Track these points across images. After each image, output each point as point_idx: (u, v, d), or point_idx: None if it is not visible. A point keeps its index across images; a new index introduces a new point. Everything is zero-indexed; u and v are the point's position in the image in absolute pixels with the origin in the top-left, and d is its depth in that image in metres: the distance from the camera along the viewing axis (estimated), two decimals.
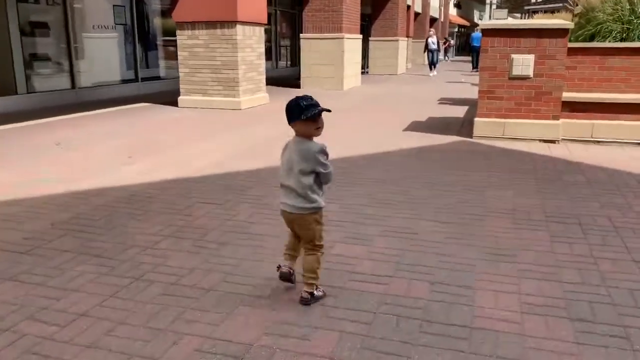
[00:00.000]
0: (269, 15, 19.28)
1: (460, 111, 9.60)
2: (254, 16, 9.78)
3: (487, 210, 3.98)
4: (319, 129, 2.44)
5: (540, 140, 6.59)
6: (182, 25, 9.60)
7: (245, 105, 9.69)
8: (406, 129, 7.67)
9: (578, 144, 6.51)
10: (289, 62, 21.12)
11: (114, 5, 11.45)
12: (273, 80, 16.94)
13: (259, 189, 4.53)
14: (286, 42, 21.15)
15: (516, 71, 6.52)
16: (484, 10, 58.75)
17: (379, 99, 12.01)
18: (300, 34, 14.24)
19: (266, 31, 19.49)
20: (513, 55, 6.50)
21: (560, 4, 28.35)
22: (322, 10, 13.70)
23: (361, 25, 28.58)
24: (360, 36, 15.70)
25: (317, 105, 2.41)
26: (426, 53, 21.35)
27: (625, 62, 6.68)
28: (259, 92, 10.31)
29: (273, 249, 3.19)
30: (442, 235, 3.46)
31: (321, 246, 2.57)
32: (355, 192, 4.47)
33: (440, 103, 11.05)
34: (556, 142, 6.54)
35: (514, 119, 6.67)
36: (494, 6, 53.75)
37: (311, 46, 13.91)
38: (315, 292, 2.56)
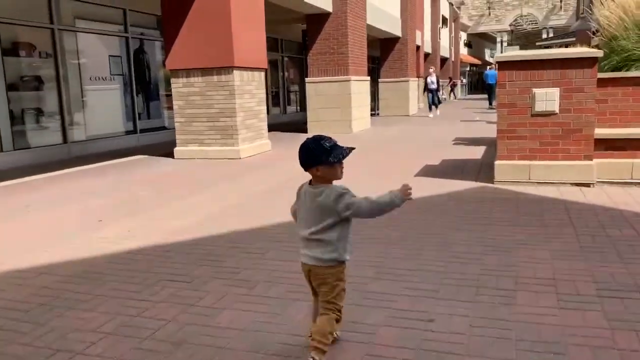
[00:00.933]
0: (276, 61, 19.12)
1: (477, 152, 8.83)
2: (253, 61, 9.26)
3: (519, 282, 3.15)
4: (342, 171, 2.26)
5: (572, 184, 5.77)
6: (177, 73, 9.10)
7: (245, 154, 9.05)
8: (418, 174, 6.91)
9: (617, 187, 5.67)
10: (298, 108, 20.72)
11: (109, 56, 11.08)
12: (281, 126, 16.46)
13: (238, 259, 3.77)
14: (295, 87, 20.83)
15: (539, 107, 5.77)
16: (494, 49, 58.71)
17: (388, 141, 11.32)
18: (306, 78, 13.76)
19: (274, 77, 19.34)
20: (535, 90, 5.77)
21: (573, 38, 27.87)
22: (328, 53, 13.24)
23: (370, 67, 28.48)
24: (368, 78, 15.20)
25: (338, 144, 2.24)
26: (425, 93, 20.17)
27: None
28: (260, 140, 9.69)
29: (242, 352, 2.40)
30: (465, 324, 2.64)
31: (338, 308, 2.27)
32: (355, 258, 3.67)
33: (455, 144, 10.31)
34: (591, 185, 5.70)
35: (540, 161, 5.88)
36: (504, 44, 53.67)
37: (317, 90, 13.39)
38: None
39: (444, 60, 33.73)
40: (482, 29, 47.24)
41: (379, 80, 21.09)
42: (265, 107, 9.87)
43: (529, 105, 5.82)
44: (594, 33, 14.48)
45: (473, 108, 23.37)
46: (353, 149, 2.29)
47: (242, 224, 4.70)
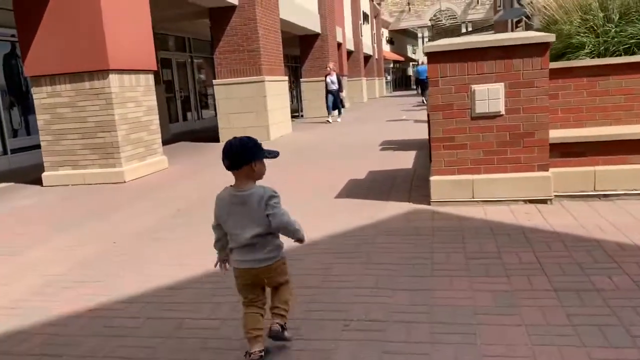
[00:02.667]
0: (185, 62, 17.35)
1: (407, 159, 7.66)
2: (136, 62, 7.62)
3: None
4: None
5: (525, 201, 4.64)
6: (38, 80, 7.31)
7: (131, 175, 7.40)
8: (339, 195, 5.59)
9: (578, 202, 4.59)
10: (215, 112, 19.01)
11: None
12: (193, 134, 14.75)
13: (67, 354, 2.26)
14: (211, 90, 19.10)
15: (480, 108, 4.60)
16: (416, 45, 59.15)
17: (310, 148, 9.99)
18: (214, 80, 12.18)
19: (182, 80, 17.56)
20: (474, 87, 4.59)
21: (492, 31, 27.77)
22: (237, 51, 11.72)
23: (292, 67, 27.17)
24: (286, 78, 13.82)
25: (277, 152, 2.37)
26: (326, 95, 15.82)
27: (623, 83, 4.90)
28: (152, 157, 8.05)
29: None
30: None
31: (289, 280, 2.43)
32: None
33: (382, 149, 9.13)
34: (548, 201, 4.60)
35: (485, 174, 4.71)
36: (425, 39, 54.09)
37: (228, 93, 11.84)
38: (286, 330, 2.36)
39: (367, 57, 32.96)
40: (403, 25, 47.09)
41: (301, 80, 19.79)
42: (156, 117, 8.24)
43: (468, 106, 4.64)
44: (516, 23, 13.94)
45: (399, 106, 22.57)
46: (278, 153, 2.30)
47: (88, 292, 3.16)
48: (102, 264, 3.87)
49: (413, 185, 5.78)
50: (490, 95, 4.56)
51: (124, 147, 7.31)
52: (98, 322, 2.86)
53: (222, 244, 2.39)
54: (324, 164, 7.90)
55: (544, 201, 4.60)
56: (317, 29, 18.80)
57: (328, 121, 15.44)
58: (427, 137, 9.69)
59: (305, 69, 19.56)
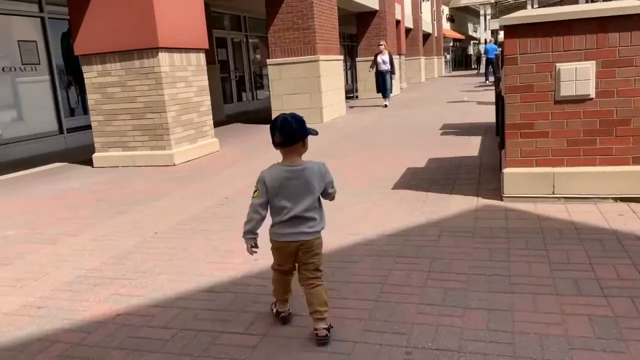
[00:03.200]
0: (240, 41, 17.09)
1: (472, 145, 7.04)
2: (186, 40, 7.33)
3: None
4: None
5: (616, 199, 4.01)
6: (89, 59, 7.15)
7: (181, 158, 7.17)
8: (397, 186, 5.10)
9: None
10: (269, 93, 18.72)
11: (19, 41, 9.05)
12: (248, 115, 14.51)
13: None
14: (266, 70, 18.82)
15: (566, 90, 3.98)
16: (478, 23, 56.77)
17: (365, 132, 9.49)
18: (267, 60, 11.82)
19: (238, 59, 17.32)
20: (559, 65, 3.97)
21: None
22: (291, 29, 11.29)
23: (348, 46, 26.50)
24: (341, 57, 13.29)
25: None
26: (374, 76, 14.77)
27: None
28: (202, 139, 7.80)
29: None
30: None
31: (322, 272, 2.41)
32: None
33: (443, 133, 8.51)
34: None
35: (568, 167, 4.10)
36: (488, 17, 51.76)
37: (281, 73, 11.47)
38: (332, 328, 2.35)
39: (426, 35, 31.78)
40: (464, 2, 45.18)
41: (357, 59, 19.16)
42: (208, 98, 7.96)
43: (551, 87, 4.03)
44: None
45: (459, 86, 21.57)
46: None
47: (91, 308, 2.87)
48: (139, 258, 3.58)
49: (481, 176, 5.20)
50: (578, 76, 3.93)
51: (173, 129, 7.08)
52: (124, 332, 2.54)
53: (260, 225, 2.41)
54: (380, 149, 7.39)
55: (638, 200, 3.95)
56: (375, 6, 18.06)
57: (385, 105, 14.25)
58: (493, 121, 9.00)
59: (361, 48, 18.91)
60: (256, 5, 14.83)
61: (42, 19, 9.44)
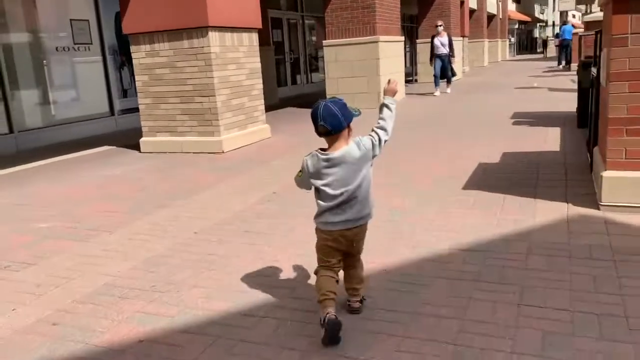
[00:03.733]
0: (295, 22, 16.54)
1: (550, 138, 6.26)
2: (238, 19, 6.86)
3: None
4: None
5: None
6: (137, 38, 6.81)
7: (230, 145, 6.76)
8: (468, 185, 4.46)
9: None
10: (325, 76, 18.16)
11: (71, 20, 8.87)
12: (302, 98, 14.01)
13: None
14: (321, 52, 18.24)
15: None
16: (546, 4, 53.81)
17: (426, 120, 8.79)
18: (323, 41, 11.24)
19: (294, 41, 16.80)
20: None
21: None
22: (349, 8, 10.64)
23: (407, 27, 25.46)
24: (402, 38, 12.54)
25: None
26: (433, 61, 13.05)
27: None
28: (253, 125, 7.36)
29: None
30: None
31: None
32: None
33: (515, 123, 7.71)
34: None
35: None
36: None
37: (337, 55, 10.88)
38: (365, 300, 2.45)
39: (490, 17, 30.19)
40: None
41: (417, 41, 18.26)
42: (259, 81, 7.49)
43: None
44: None
45: (526, 71, 20.25)
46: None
47: (111, 329, 2.44)
48: (173, 264, 3.15)
49: (568, 177, 4.48)
50: None
51: (223, 114, 6.66)
52: None
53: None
54: (445, 141, 6.71)
55: None
56: None
57: (434, 94, 12.64)
58: (570, 110, 8.10)
59: (422, 29, 18.00)
60: None
61: None
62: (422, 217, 3.74)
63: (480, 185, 4.41)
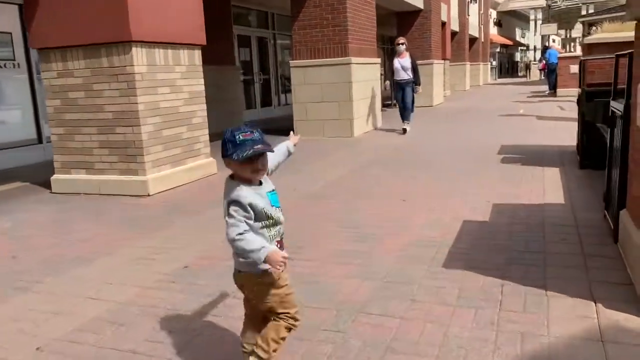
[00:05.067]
0: (265, 40, 15.36)
1: (549, 182, 5.13)
2: (173, 32, 5.66)
3: None
4: (258, 171, 1.87)
5: None
6: (47, 54, 5.55)
7: (159, 186, 5.49)
8: (451, 261, 3.25)
9: None
10: None
11: None
12: (272, 124, 12.71)
13: None
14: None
15: None
16: (527, 28, 53.86)
17: (402, 153, 7.64)
18: (290, 61, 10.11)
19: (264, 60, 15.60)
20: None
21: (622, 12, 23.58)
22: (319, 26, 9.54)
23: (385, 49, 24.60)
24: (378, 60, 11.46)
25: (257, 140, 1.82)
26: (392, 88, 10.35)
27: None
28: (193, 160, 6.11)
29: None
30: None
31: (290, 316, 1.96)
32: None
33: (504, 160, 6.58)
34: None
35: None
36: (539, 22, 48.87)
37: (306, 77, 9.73)
38: None
39: (472, 40, 29.55)
40: (514, 5, 42.56)
41: None
42: (202, 107, 6.27)
43: None
44: None
45: (510, 95, 19.39)
46: (268, 150, 1.85)
47: None
48: None
49: (584, 250, 3.30)
50: None
51: (150, 148, 5.41)
52: None
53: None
54: (421, 183, 5.53)
55: None
56: (419, 4, 16.14)
57: (404, 129, 9.85)
58: (568, 144, 7.01)
59: None
60: (286, 1, 13.19)
61: (20, 6, 7.94)
62: (384, 317, 2.51)
63: (466, 261, 3.20)
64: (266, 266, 1.83)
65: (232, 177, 1.91)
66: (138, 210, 4.91)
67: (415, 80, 9.92)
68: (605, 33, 6.03)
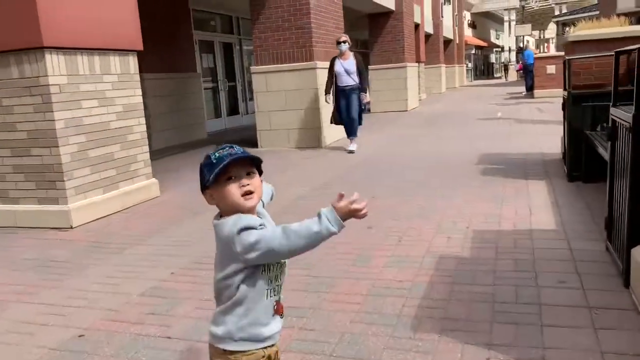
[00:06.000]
0: (231, 45, 14.49)
1: (535, 198, 4.47)
2: (99, 35, 4.87)
3: None
4: (249, 193, 1.42)
5: None
6: None
7: (84, 216, 4.69)
8: (420, 324, 2.54)
9: None
10: None
11: None
12: (238, 134, 11.92)
13: None
14: None
15: None
16: (501, 30, 53.93)
17: (374, 165, 6.94)
18: (252, 67, 9.37)
19: (230, 67, 14.73)
20: None
21: (596, 12, 23.47)
22: (281, 29, 8.81)
23: (357, 53, 23.99)
24: None
25: (239, 153, 1.42)
26: (332, 96, 8.25)
27: None
28: (130, 183, 5.31)
29: None
30: None
31: None
32: None
33: (483, 172, 5.92)
34: None
35: None
36: (513, 23, 48.94)
37: (268, 83, 8.99)
38: None
39: (447, 42, 29.15)
40: (488, 7, 42.40)
41: (369, 67, 16.63)
42: (142, 120, 5.48)
43: None
44: None
45: (487, 98, 18.91)
46: (246, 154, 1.42)
47: None
48: None
49: (587, 296, 2.61)
50: None
51: (73, 172, 4.60)
52: None
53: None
54: (391, 202, 4.82)
55: None
56: (391, 5, 15.54)
57: (350, 151, 8.07)
58: (553, 151, 6.36)
59: (374, 55, 16.40)
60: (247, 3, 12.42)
61: None
62: None
63: (443, 322, 2.48)
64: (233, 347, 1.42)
65: (220, 216, 1.48)
66: (52, 247, 4.10)
67: (362, 86, 8.17)
68: (592, 29, 5.42)
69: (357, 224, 4.11)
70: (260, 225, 1.40)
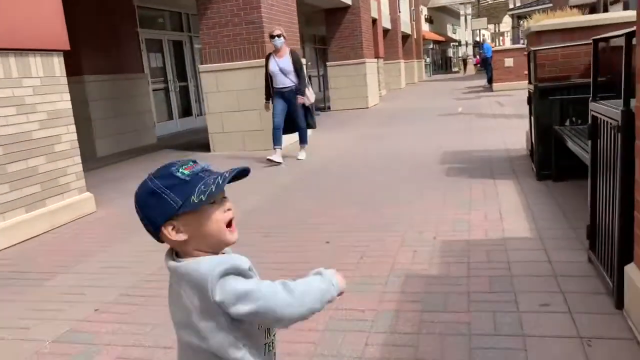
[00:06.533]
0: (181, 43, 13.72)
1: (504, 201, 4.13)
2: (16, 34, 4.28)
3: None
4: (231, 222, 1.13)
5: None
6: None
7: (1, 242, 4.10)
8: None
9: None
10: None
11: None
12: (190, 137, 11.25)
13: None
14: None
15: None
16: (458, 24, 54.50)
17: (333, 168, 6.53)
18: (200, 66, 8.81)
19: (180, 66, 13.96)
20: None
21: (550, 4, 23.75)
22: (230, 24, 8.29)
23: (317, 49, 23.60)
24: (303, 60, 10.30)
25: (211, 170, 1.13)
26: (270, 97, 7.11)
27: None
28: (59, 199, 4.72)
29: None
30: None
31: None
32: None
33: (448, 172, 5.58)
34: None
35: None
36: (469, 17, 49.49)
37: (219, 83, 8.47)
38: None
39: (405, 37, 29.05)
40: (444, 1, 42.69)
41: (327, 64, 16.25)
42: (71, 128, 4.89)
43: None
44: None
45: (447, 93, 18.80)
46: (244, 169, 1.13)
47: None
48: None
49: (579, 324, 2.25)
50: None
51: None
52: None
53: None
54: (352, 211, 4.41)
55: None
56: (347, 0, 15.17)
57: (273, 161, 6.91)
58: (518, 147, 6.07)
59: (332, 50, 16.00)
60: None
61: None
62: None
63: None
64: None
65: (176, 254, 1.12)
66: None
67: (298, 87, 6.95)
68: (558, 18, 5.14)
69: (314, 239, 3.69)
70: (249, 269, 1.09)
